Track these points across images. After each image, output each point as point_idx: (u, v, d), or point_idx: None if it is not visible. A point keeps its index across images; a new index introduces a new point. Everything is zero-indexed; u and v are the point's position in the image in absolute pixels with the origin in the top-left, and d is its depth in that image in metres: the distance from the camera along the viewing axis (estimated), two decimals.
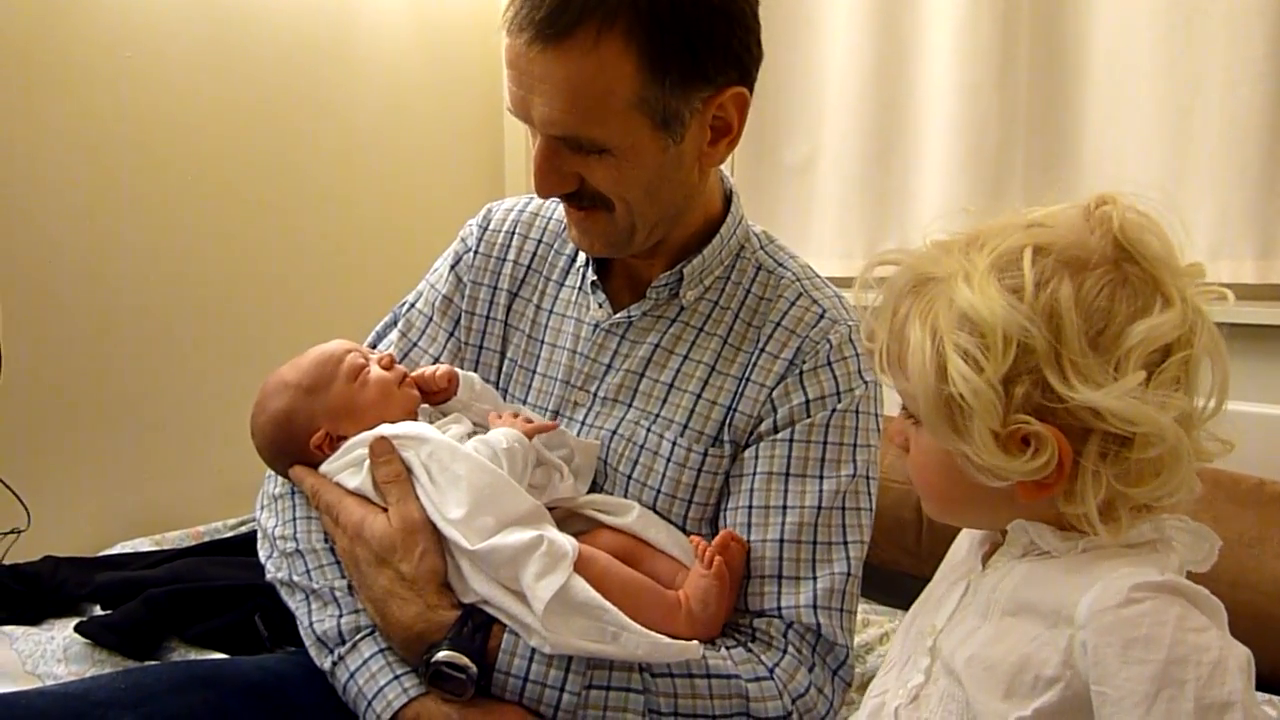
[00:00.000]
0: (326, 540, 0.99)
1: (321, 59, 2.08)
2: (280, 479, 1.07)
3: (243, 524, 1.78)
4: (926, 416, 0.70)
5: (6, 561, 1.56)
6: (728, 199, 1.07)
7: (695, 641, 0.87)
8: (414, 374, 1.06)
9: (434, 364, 1.10)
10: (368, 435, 0.97)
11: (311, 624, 0.93)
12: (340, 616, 0.93)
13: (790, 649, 0.92)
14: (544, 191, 0.97)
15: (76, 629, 1.30)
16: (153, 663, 1.25)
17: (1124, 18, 1.82)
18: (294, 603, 0.97)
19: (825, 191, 2.20)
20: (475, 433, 1.00)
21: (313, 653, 0.93)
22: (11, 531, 1.64)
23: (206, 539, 1.71)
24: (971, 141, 1.97)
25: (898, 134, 2.09)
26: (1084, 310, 0.66)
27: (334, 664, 0.91)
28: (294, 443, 1.01)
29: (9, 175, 1.66)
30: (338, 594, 0.94)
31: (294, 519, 1.02)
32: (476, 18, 2.35)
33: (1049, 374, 0.65)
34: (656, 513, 1.00)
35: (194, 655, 1.31)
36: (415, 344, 1.14)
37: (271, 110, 2.01)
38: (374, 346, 1.17)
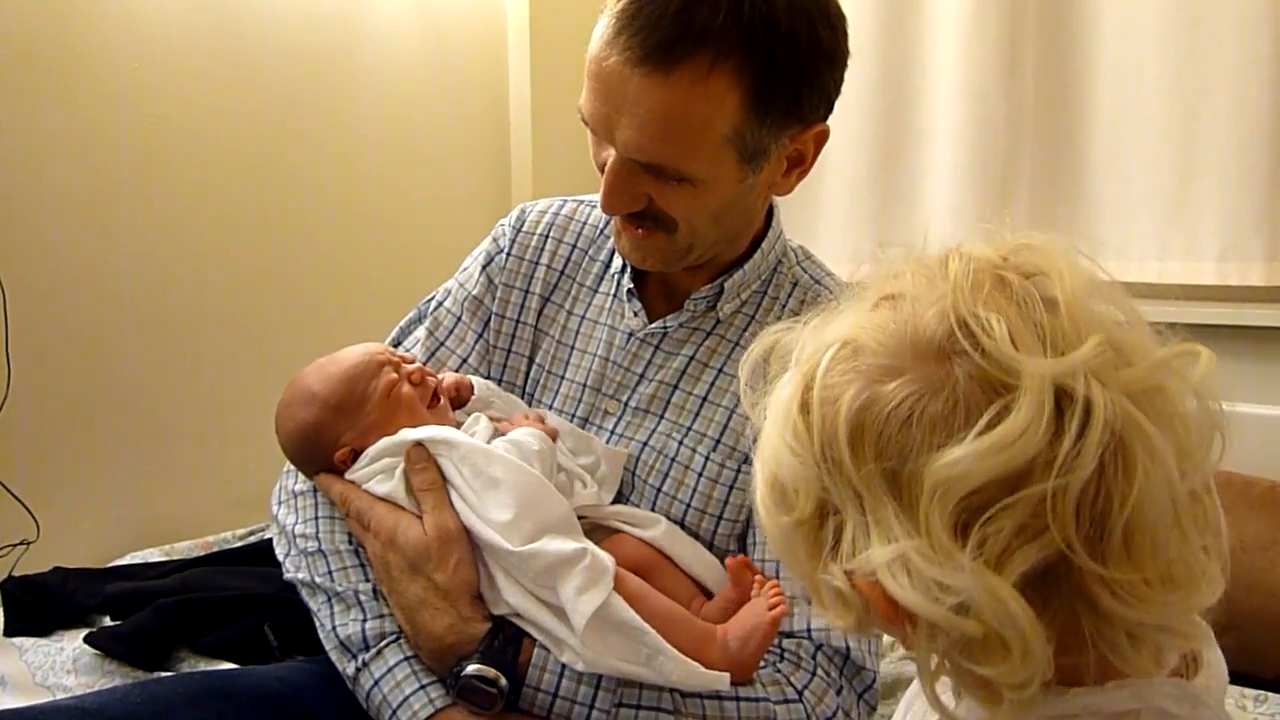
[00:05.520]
0: (350, 541, 0.97)
1: (328, 65, 2.08)
2: (301, 475, 1.05)
3: (252, 534, 1.77)
4: None
5: (16, 573, 1.55)
6: (769, 212, 1.06)
7: (726, 674, 0.85)
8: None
9: (461, 363, 1.09)
10: (391, 441, 0.95)
11: (334, 628, 0.92)
12: (365, 621, 0.91)
13: (819, 671, 0.90)
14: (610, 210, 0.94)
15: (86, 640, 1.30)
16: (167, 674, 1.24)
17: (1131, 20, 1.82)
18: (315, 604, 0.95)
19: (831, 195, 2.20)
20: (498, 430, 0.99)
21: (334, 657, 0.92)
22: (20, 543, 1.63)
23: (215, 549, 1.70)
24: (978, 145, 1.97)
25: (904, 138, 2.10)
26: (871, 438, 0.49)
27: (358, 670, 0.89)
28: (319, 453, 0.99)
29: (18, 186, 1.65)
30: (362, 598, 0.93)
31: (316, 518, 1.00)
32: (483, 24, 2.35)
33: (846, 528, 0.51)
34: (685, 527, 0.98)
35: (204, 665, 1.30)
36: (442, 343, 1.12)
37: (279, 118, 2.00)
38: (398, 344, 1.15)
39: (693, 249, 0.97)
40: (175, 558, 1.66)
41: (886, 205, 2.13)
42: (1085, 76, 1.90)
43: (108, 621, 1.39)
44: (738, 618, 0.90)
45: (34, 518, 1.64)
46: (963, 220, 1.98)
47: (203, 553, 1.68)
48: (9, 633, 1.38)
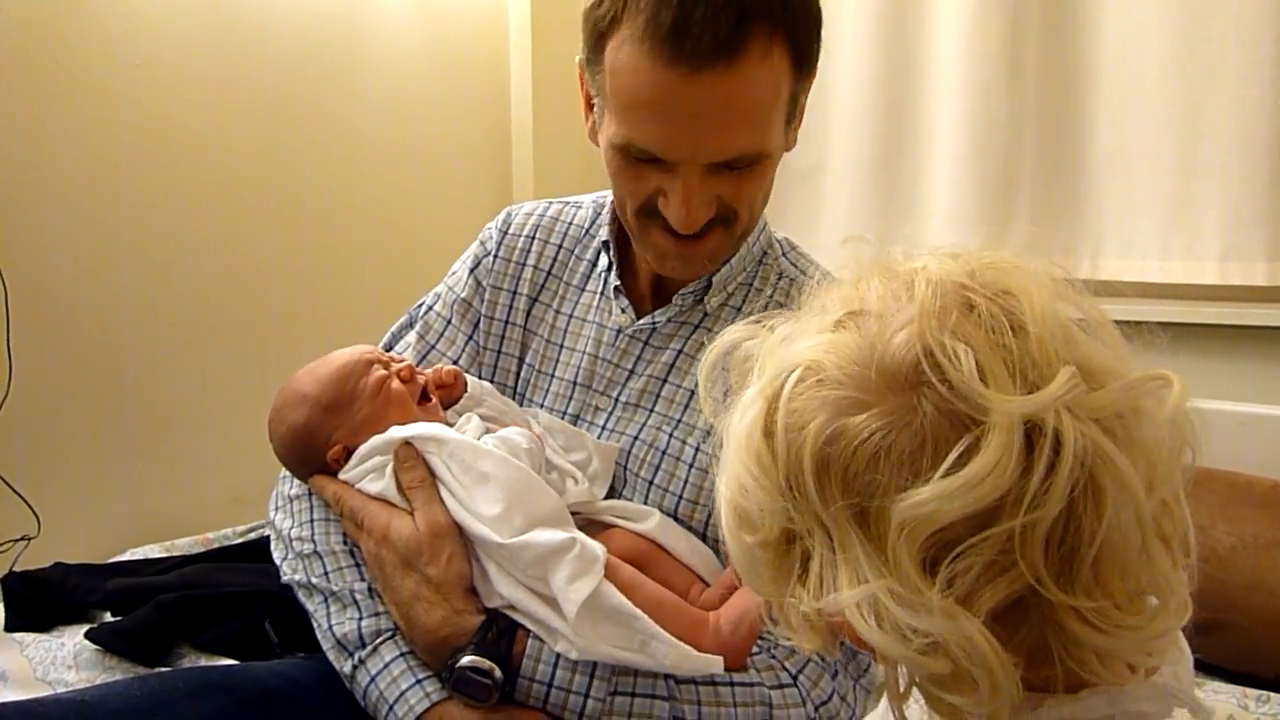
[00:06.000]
0: (345, 542, 0.98)
1: (330, 63, 2.08)
2: (296, 480, 1.06)
3: (252, 531, 1.77)
4: None
5: (17, 568, 1.55)
6: None
7: (720, 656, 0.86)
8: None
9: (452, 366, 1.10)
10: (381, 440, 0.96)
11: (330, 626, 0.92)
12: (361, 619, 0.92)
13: (814, 655, 0.91)
14: (694, 227, 0.92)
15: (87, 635, 1.30)
16: (167, 669, 1.25)
17: (1133, 19, 1.82)
18: (312, 605, 0.96)
19: (833, 195, 2.20)
20: (489, 429, 1.00)
21: (331, 656, 0.92)
22: (22, 538, 1.63)
23: (216, 546, 1.70)
24: (980, 144, 1.97)
25: (906, 137, 2.09)
26: (838, 473, 0.48)
27: (354, 667, 0.90)
28: (312, 453, 1.00)
29: (20, 182, 1.66)
30: (358, 596, 0.93)
31: (311, 520, 1.01)
32: (485, 20, 2.35)
33: (814, 558, 0.50)
34: (677, 520, 0.99)
35: (204, 661, 1.30)
36: (433, 347, 1.13)
37: (281, 115, 2.00)
38: (390, 348, 1.16)
39: (741, 237, 0.99)
40: (176, 554, 1.66)
41: (887, 204, 2.13)
42: (1087, 75, 1.90)
43: (109, 617, 1.39)
44: (729, 603, 0.91)
45: (35, 513, 1.64)
46: (963, 219, 1.97)
47: (203, 549, 1.68)
48: (10, 628, 1.38)
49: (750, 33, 0.82)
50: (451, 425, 1.01)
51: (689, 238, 0.94)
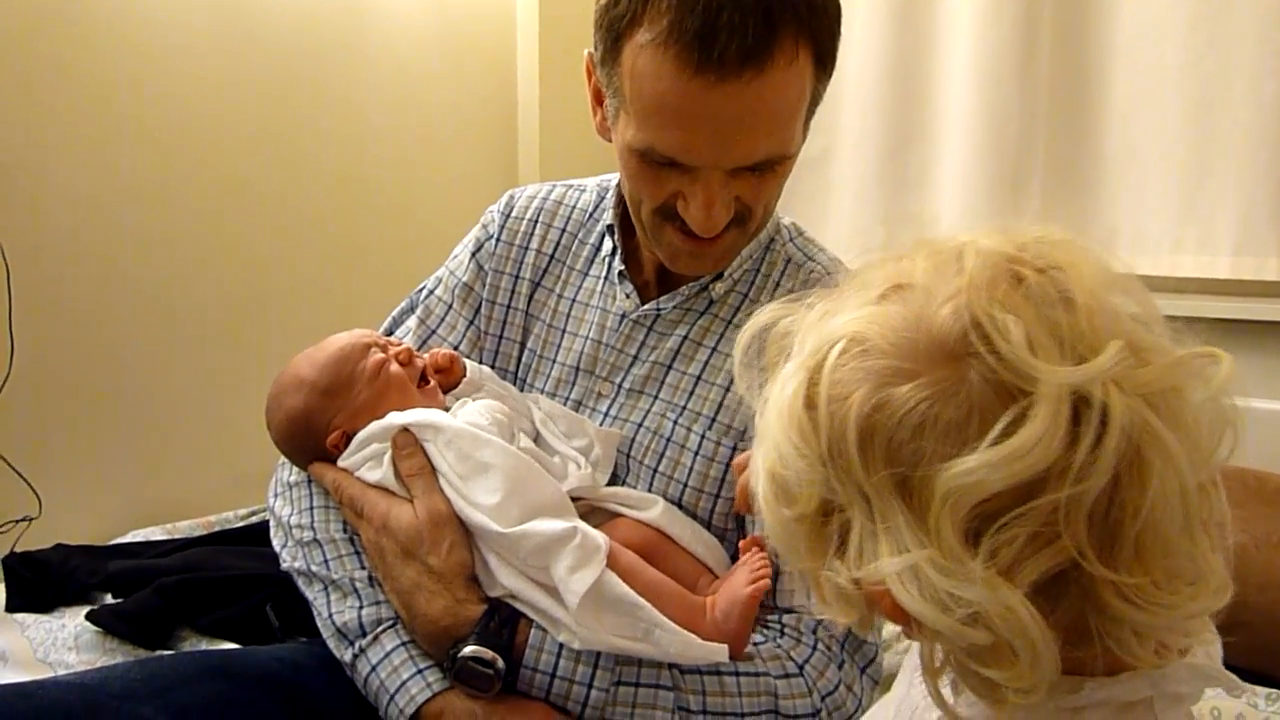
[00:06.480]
0: (345, 530, 0.97)
1: (335, 46, 2.06)
2: (295, 467, 1.05)
3: (254, 514, 1.77)
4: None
5: (18, 549, 1.55)
6: None
7: (725, 645, 0.85)
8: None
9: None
10: (378, 426, 0.95)
11: (331, 615, 0.92)
12: (361, 608, 0.91)
13: (820, 645, 0.90)
14: (715, 230, 0.90)
15: (88, 617, 1.30)
16: (168, 652, 1.24)
17: (1149, 10, 1.80)
18: (312, 593, 0.95)
19: (842, 184, 2.18)
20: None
21: (331, 645, 0.91)
22: (23, 519, 1.63)
23: (218, 528, 1.70)
24: (991, 133, 1.95)
25: (916, 125, 2.07)
26: (882, 443, 0.48)
27: (354, 656, 0.89)
28: (311, 440, 0.99)
29: (21, 161, 1.65)
30: (358, 585, 0.93)
31: (311, 508, 1.00)
32: (492, 4, 2.33)
33: (853, 529, 0.50)
34: (682, 508, 0.98)
35: (205, 644, 1.30)
36: (434, 331, 1.12)
37: (284, 99, 1.99)
38: (390, 333, 1.15)
39: (754, 234, 0.98)
40: (177, 536, 1.66)
41: (896, 195, 2.11)
42: (1101, 65, 1.87)
43: (110, 599, 1.39)
44: (722, 590, 0.90)
45: (36, 494, 1.64)
46: (973, 211, 1.96)
47: (205, 532, 1.68)
48: (11, 608, 1.38)
49: (777, 39, 0.80)
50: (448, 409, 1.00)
51: (709, 238, 0.93)
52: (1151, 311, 0.51)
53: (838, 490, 0.50)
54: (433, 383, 1.02)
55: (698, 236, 0.92)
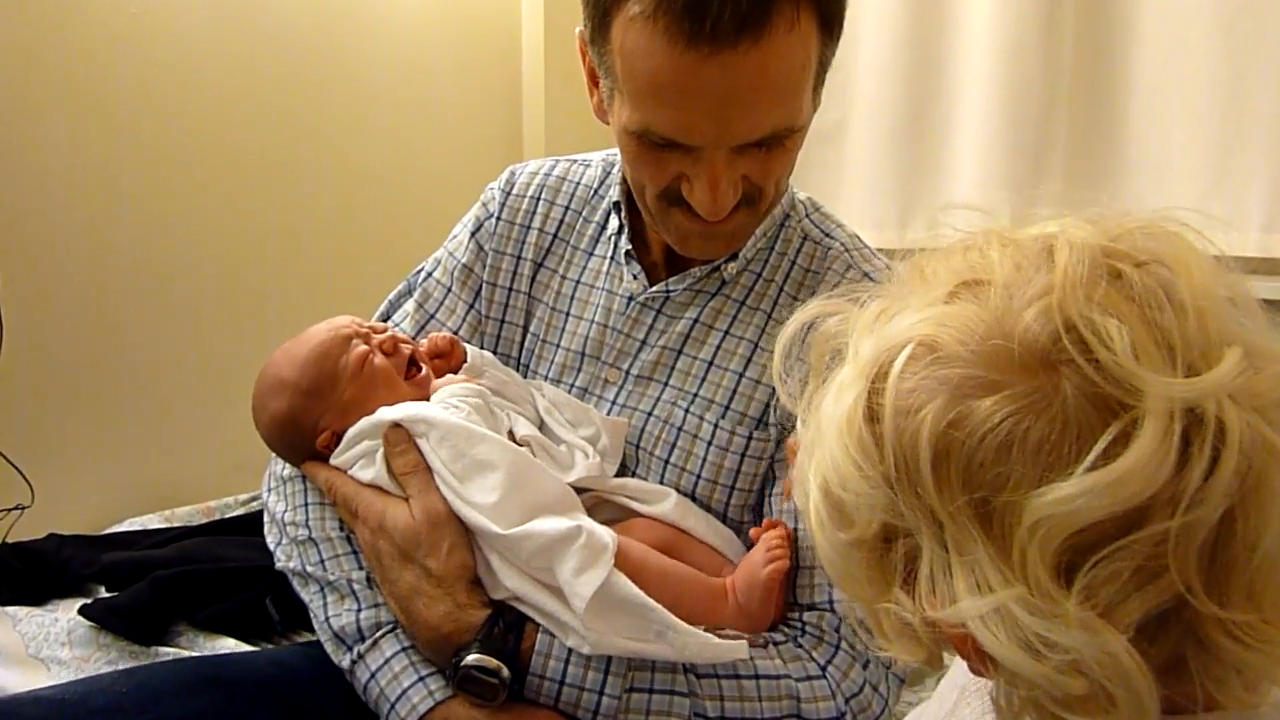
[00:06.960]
0: (342, 528, 0.93)
1: (338, 22, 2.01)
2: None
3: (254, 499, 1.74)
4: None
5: (9, 539, 1.52)
6: None
7: (743, 641, 0.81)
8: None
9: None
10: (368, 423, 0.90)
11: (328, 618, 0.88)
12: (359, 611, 0.87)
13: (843, 645, 0.86)
14: (722, 212, 0.85)
15: (81, 611, 1.26)
16: (156, 661, 1.20)
17: None
18: (307, 594, 0.91)
19: (856, 159, 2.13)
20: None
21: (329, 649, 0.87)
22: (15, 508, 1.59)
23: (218, 515, 1.67)
24: (1011, 108, 1.89)
25: (933, 99, 2.02)
26: (959, 463, 0.42)
27: (353, 662, 0.85)
28: (300, 441, 0.94)
29: (14, 146, 1.60)
30: (355, 587, 0.88)
31: (305, 504, 0.96)
32: None
33: (922, 558, 0.44)
34: (695, 500, 0.94)
35: (202, 640, 1.27)
36: (432, 316, 1.07)
37: (286, 76, 1.94)
38: (387, 317, 1.10)
39: (766, 212, 0.92)
40: (176, 524, 1.62)
41: (913, 170, 2.05)
42: (1127, 35, 1.81)
43: (104, 592, 1.36)
44: (739, 570, 0.86)
45: (29, 482, 1.60)
46: (992, 183, 1.90)
47: (204, 519, 1.65)
48: (2, 600, 1.34)
49: (774, 3, 0.74)
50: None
51: (717, 221, 0.87)
52: (1249, 303, 0.45)
53: (905, 515, 0.44)
54: (425, 370, 0.97)
55: (716, 222, 0.87)
